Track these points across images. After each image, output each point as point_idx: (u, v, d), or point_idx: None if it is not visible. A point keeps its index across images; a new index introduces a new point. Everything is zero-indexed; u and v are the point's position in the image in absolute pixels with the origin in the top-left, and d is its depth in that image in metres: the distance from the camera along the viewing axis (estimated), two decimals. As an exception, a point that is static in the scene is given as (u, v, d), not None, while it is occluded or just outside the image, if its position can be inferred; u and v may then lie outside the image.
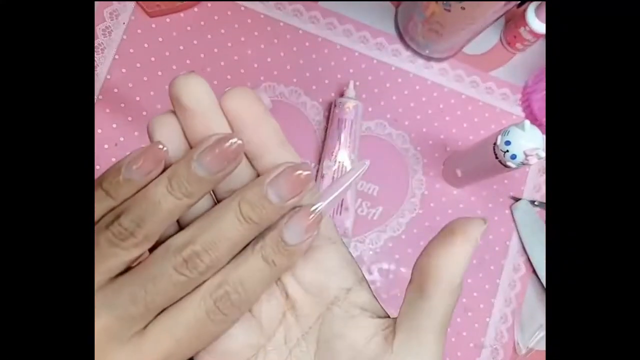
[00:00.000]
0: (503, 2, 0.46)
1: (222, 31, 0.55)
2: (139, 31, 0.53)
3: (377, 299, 0.20)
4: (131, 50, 0.53)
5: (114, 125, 0.51)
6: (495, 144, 0.45)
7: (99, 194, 0.17)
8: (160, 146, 0.18)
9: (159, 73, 0.53)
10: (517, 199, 0.59)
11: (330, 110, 0.55)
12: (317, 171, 0.53)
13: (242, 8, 0.56)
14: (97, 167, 0.50)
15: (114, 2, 0.53)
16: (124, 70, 0.53)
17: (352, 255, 0.21)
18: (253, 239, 0.18)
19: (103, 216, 0.17)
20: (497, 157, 0.45)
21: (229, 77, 0.54)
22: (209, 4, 0.55)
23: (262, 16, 0.56)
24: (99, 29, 0.52)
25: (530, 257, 0.57)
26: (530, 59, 0.62)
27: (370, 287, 0.20)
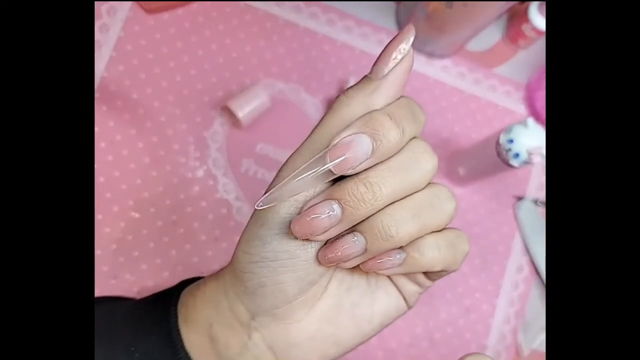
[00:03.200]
0: (504, 2, 0.45)
1: (221, 28, 0.54)
2: (136, 28, 0.53)
3: None
4: (128, 48, 0.52)
5: (111, 124, 0.51)
6: (498, 142, 0.45)
7: None
8: None
9: (157, 70, 0.52)
10: (520, 198, 0.58)
11: (331, 108, 0.54)
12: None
13: (241, 4, 0.55)
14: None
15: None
16: (121, 68, 0.52)
17: None
18: None
19: None
20: (499, 156, 0.45)
21: (227, 74, 0.54)
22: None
23: (261, 12, 0.55)
24: (96, 26, 0.52)
25: (532, 258, 0.57)
26: (533, 56, 0.61)
27: None
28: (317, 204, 0.18)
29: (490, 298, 0.56)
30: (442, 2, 0.48)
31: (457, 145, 0.57)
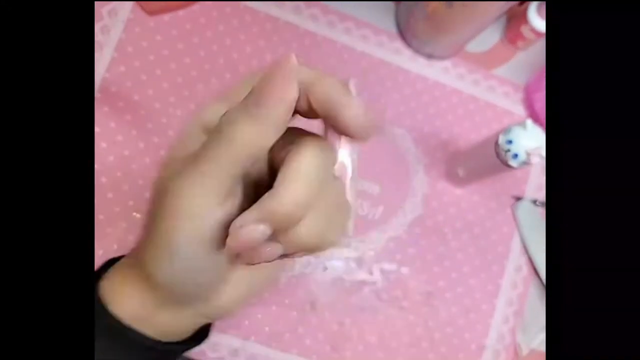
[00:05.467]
0: (503, 2, 0.45)
1: (221, 29, 0.55)
2: (137, 29, 0.53)
3: None
4: (129, 49, 0.52)
5: (112, 124, 0.51)
6: (497, 143, 0.45)
7: None
8: None
9: (158, 72, 0.53)
10: (519, 199, 0.58)
11: (331, 109, 0.54)
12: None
13: (241, 5, 0.55)
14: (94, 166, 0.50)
15: (112, 1, 0.52)
16: (122, 69, 0.52)
17: None
18: None
19: None
20: (498, 157, 0.45)
21: (228, 75, 0.54)
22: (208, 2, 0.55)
23: (261, 14, 0.56)
24: (97, 28, 0.52)
25: (531, 257, 0.57)
26: (532, 57, 0.61)
27: None
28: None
29: (489, 298, 0.56)
30: (441, 2, 0.48)
31: (456, 146, 0.58)
